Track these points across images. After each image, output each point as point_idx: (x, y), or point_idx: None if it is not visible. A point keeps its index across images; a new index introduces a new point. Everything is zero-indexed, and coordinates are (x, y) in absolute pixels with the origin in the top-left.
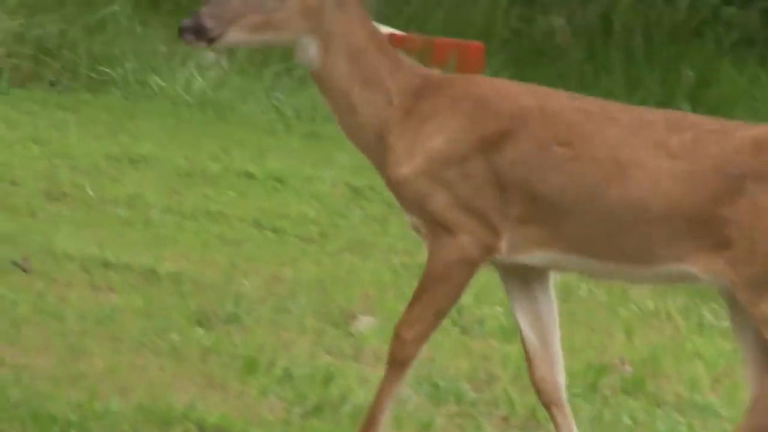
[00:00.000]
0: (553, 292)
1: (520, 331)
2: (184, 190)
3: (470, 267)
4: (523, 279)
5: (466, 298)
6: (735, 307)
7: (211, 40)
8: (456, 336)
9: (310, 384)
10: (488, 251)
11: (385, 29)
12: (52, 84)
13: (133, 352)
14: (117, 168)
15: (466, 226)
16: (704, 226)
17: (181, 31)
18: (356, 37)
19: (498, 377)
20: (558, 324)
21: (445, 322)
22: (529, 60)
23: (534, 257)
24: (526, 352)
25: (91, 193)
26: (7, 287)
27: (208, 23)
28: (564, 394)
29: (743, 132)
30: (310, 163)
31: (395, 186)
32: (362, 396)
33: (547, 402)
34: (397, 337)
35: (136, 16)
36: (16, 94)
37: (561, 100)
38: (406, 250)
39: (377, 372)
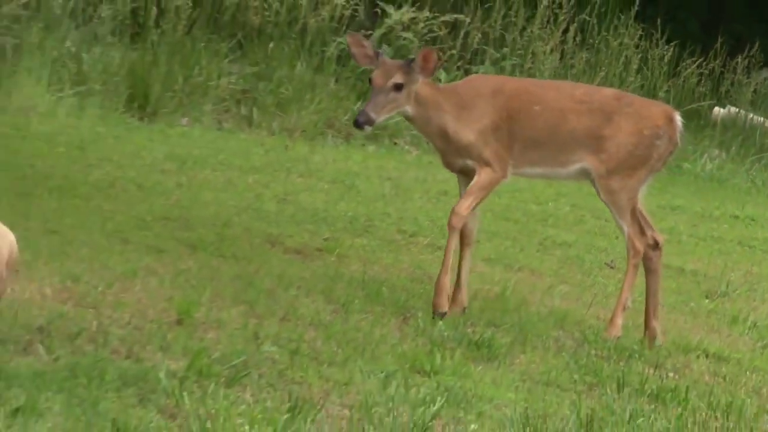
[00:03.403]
0: None
1: None
2: (705, 224)
3: (496, 183)
4: None
5: None
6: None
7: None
8: None
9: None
10: (504, 176)
11: None
12: None
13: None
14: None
15: (497, 163)
16: (593, 139)
17: (361, 125)
18: (425, 93)
19: None
20: None
21: None
22: None
23: (514, 172)
24: None
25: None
26: (603, 278)
27: (374, 116)
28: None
29: (606, 90)
30: None
31: (464, 147)
32: None
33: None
34: (455, 213)
35: None
36: None
37: (519, 81)
38: None
39: None
